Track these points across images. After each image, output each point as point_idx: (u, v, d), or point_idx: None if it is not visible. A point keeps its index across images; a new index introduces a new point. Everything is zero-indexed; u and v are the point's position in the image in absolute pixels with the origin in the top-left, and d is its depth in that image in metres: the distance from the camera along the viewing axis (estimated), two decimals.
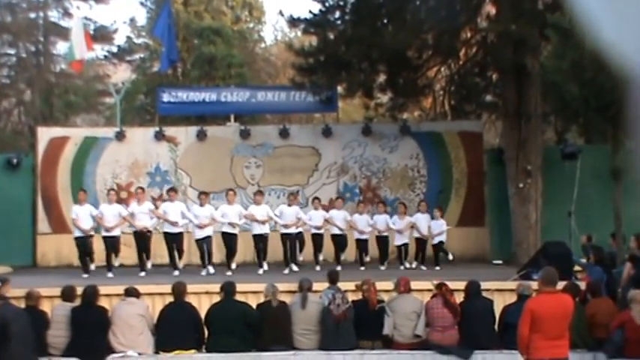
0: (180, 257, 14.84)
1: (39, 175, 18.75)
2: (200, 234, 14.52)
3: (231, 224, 14.63)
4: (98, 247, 14.82)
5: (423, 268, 15.56)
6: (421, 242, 15.90)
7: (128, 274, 13.74)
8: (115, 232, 14.62)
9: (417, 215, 15.96)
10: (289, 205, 15.23)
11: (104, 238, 14.65)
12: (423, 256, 15.91)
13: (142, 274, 14.34)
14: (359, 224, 15.68)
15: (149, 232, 14.73)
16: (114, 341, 9.56)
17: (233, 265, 14.85)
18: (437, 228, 15.75)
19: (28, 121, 28.82)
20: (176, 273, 14.08)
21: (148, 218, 14.62)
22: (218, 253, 15.36)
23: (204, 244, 14.48)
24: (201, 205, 14.79)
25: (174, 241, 14.56)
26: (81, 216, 14.46)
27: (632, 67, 2.21)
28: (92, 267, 14.72)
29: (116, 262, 14.88)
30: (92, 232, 14.66)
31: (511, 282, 11.36)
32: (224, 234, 14.79)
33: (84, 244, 14.52)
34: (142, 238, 14.65)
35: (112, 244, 14.59)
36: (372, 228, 15.77)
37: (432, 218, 15.83)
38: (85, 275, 13.98)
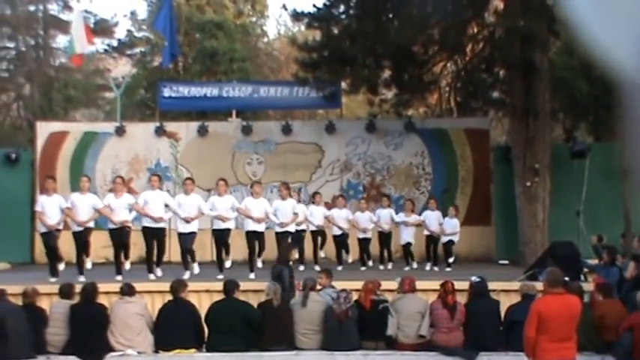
0: (161, 257, 12.80)
1: (38, 170, 18.62)
2: (184, 228, 12.72)
3: (221, 217, 12.77)
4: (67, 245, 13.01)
5: (436, 268, 14.90)
6: (432, 240, 15.15)
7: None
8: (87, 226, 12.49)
9: (425, 213, 15.36)
10: (282, 198, 13.72)
11: (74, 233, 12.55)
12: (435, 255, 15.18)
13: (119, 277, 11.97)
14: (361, 222, 15.18)
15: (128, 227, 12.56)
16: (113, 340, 9.48)
17: (228, 264, 13.13)
18: (450, 227, 14.94)
19: (27, 115, 28.68)
20: (152, 277, 12.33)
21: (127, 212, 12.48)
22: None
23: (187, 240, 12.71)
24: (187, 193, 12.96)
25: (154, 237, 12.57)
26: (47, 208, 12.33)
27: (624, 70, 2.04)
28: (61, 267, 12.62)
29: (88, 264, 12.70)
30: (60, 227, 12.50)
31: (518, 282, 11.15)
32: (214, 231, 13.04)
33: (50, 241, 12.40)
34: (121, 234, 12.41)
35: (83, 241, 12.44)
36: (375, 224, 15.19)
37: (445, 216, 15.04)
38: (53, 279, 11.94)
